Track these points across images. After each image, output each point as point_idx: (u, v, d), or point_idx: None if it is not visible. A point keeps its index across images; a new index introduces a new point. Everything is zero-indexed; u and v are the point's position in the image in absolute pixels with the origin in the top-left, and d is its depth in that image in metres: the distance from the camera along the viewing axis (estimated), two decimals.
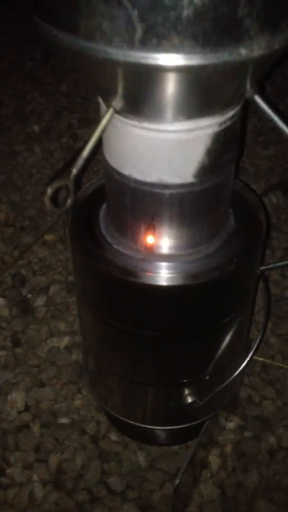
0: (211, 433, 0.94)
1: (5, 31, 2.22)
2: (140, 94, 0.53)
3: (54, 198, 0.58)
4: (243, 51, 0.47)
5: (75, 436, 0.96)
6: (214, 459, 0.94)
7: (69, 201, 0.59)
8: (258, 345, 0.86)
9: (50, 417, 0.99)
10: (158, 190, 0.64)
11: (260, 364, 1.09)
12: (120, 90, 0.53)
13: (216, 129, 0.60)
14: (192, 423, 0.87)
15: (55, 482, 0.91)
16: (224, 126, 0.60)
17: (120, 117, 0.59)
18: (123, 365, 0.81)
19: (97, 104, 0.64)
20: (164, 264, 0.70)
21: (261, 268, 0.82)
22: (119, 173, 0.65)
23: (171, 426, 0.88)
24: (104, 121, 0.56)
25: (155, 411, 0.86)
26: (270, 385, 1.06)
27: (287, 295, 1.23)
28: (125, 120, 0.59)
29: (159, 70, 0.48)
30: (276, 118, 0.60)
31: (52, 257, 1.31)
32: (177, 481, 0.77)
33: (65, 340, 1.12)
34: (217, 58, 0.46)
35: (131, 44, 0.46)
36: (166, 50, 0.46)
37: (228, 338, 0.79)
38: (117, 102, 0.55)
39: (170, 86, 0.50)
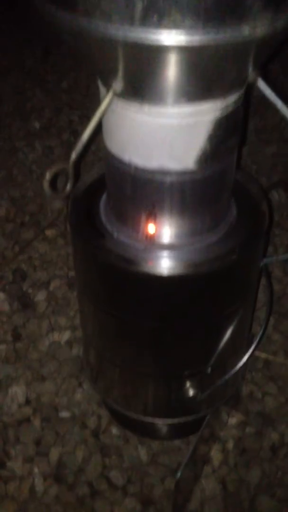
0: (213, 429, 0.93)
1: (6, 29, 2.22)
2: (140, 75, 0.52)
3: (53, 184, 0.58)
4: (246, 30, 0.46)
5: (76, 430, 0.95)
6: (216, 454, 0.94)
7: (68, 186, 0.58)
8: (260, 340, 0.85)
9: (51, 411, 0.99)
10: (159, 177, 0.63)
11: (262, 361, 1.08)
12: (120, 71, 0.52)
13: (218, 114, 0.59)
14: (194, 417, 0.86)
15: (56, 476, 0.90)
16: (226, 111, 0.59)
17: (120, 101, 0.58)
18: (124, 356, 0.80)
19: (98, 101, 0.63)
20: (165, 253, 0.69)
21: (263, 261, 0.81)
22: (119, 160, 0.64)
23: (172, 419, 0.87)
24: (103, 105, 0.56)
25: (157, 403, 0.85)
26: (272, 381, 1.05)
27: None
28: (125, 104, 0.58)
29: (160, 49, 0.47)
30: (279, 103, 0.59)
31: (53, 252, 1.30)
32: (178, 475, 0.76)
33: (66, 335, 1.11)
34: (219, 37, 0.46)
35: (131, 21, 0.45)
36: (167, 28, 0.45)
37: (229, 330, 0.78)
38: (117, 85, 0.54)
39: (171, 67, 0.50)
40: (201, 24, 0.44)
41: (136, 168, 0.63)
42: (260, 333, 0.85)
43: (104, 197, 0.77)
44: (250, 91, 0.63)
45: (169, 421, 0.88)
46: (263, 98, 0.59)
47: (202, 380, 0.81)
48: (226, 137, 0.62)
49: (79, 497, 0.87)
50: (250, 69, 0.55)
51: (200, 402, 0.83)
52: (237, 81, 0.57)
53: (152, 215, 0.67)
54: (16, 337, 1.11)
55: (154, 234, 0.69)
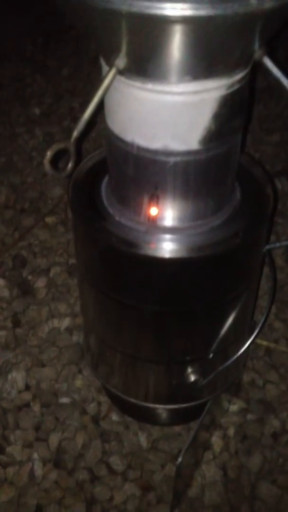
0: (214, 416, 0.93)
1: (6, 15, 2.19)
2: (144, 50, 0.51)
3: (55, 164, 0.56)
4: (253, 2, 0.45)
5: (75, 416, 0.95)
6: (217, 441, 0.93)
7: (70, 165, 0.57)
8: (262, 327, 0.84)
9: (51, 397, 0.98)
10: (162, 158, 0.62)
11: (264, 348, 1.08)
12: (123, 46, 0.51)
13: (223, 92, 0.57)
14: (195, 403, 0.85)
15: (56, 461, 0.90)
16: (232, 89, 0.58)
17: (123, 79, 0.56)
18: (125, 341, 0.79)
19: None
20: (167, 237, 0.68)
21: (267, 247, 0.80)
22: (122, 140, 0.63)
23: (173, 404, 0.86)
24: (106, 81, 0.54)
25: (158, 389, 0.84)
26: (274, 369, 1.04)
27: None
28: (128, 81, 0.56)
29: (165, 21, 0.45)
30: (285, 81, 0.58)
31: (53, 240, 1.30)
32: (179, 460, 0.75)
33: (66, 322, 1.10)
34: (226, 9, 0.44)
35: None
36: None
37: (231, 316, 0.78)
38: (120, 61, 0.53)
39: (176, 41, 0.48)
40: None
41: (139, 148, 0.62)
42: (262, 320, 0.85)
43: (105, 180, 0.76)
44: (257, 70, 0.62)
45: (170, 407, 0.88)
46: (267, 87, 0.58)
47: (204, 366, 0.80)
48: (231, 116, 0.61)
49: (79, 482, 0.87)
50: (256, 45, 0.54)
51: (201, 388, 0.82)
52: (243, 58, 0.56)
53: (155, 197, 0.66)
54: (16, 323, 1.11)
55: (156, 216, 0.68)
